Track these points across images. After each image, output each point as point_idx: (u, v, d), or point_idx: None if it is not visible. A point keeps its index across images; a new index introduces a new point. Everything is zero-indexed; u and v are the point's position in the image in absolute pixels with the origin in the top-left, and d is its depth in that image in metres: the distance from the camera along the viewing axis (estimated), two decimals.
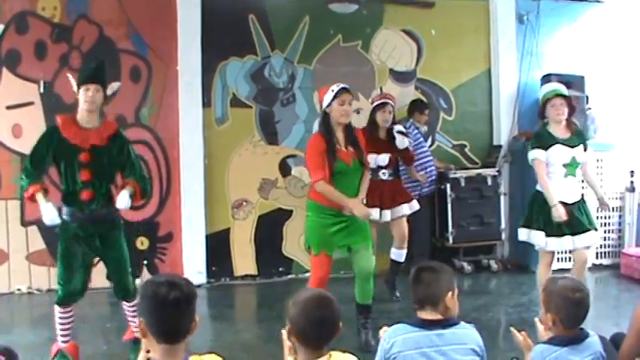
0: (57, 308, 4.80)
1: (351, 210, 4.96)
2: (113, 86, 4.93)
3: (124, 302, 5.00)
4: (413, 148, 7.07)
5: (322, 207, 5.09)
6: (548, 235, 5.58)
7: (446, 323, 3.03)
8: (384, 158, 6.45)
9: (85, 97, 4.64)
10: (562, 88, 5.72)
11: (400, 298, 6.74)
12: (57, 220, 4.58)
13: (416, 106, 7.69)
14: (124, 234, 4.98)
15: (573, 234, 5.55)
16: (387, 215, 6.56)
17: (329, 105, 5.11)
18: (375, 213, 6.29)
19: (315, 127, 7.62)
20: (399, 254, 6.79)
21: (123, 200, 4.69)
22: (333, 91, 5.10)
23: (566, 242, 5.61)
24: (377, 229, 6.66)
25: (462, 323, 3.08)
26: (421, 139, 7.49)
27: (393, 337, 3.02)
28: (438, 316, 3.03)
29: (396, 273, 6.85)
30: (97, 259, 4.98)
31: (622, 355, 3.55)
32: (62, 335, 4.84)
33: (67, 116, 4.78)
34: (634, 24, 8.53)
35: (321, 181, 4.98)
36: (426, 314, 3.05)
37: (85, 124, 4.71)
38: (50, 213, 4.55)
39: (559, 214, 5.43)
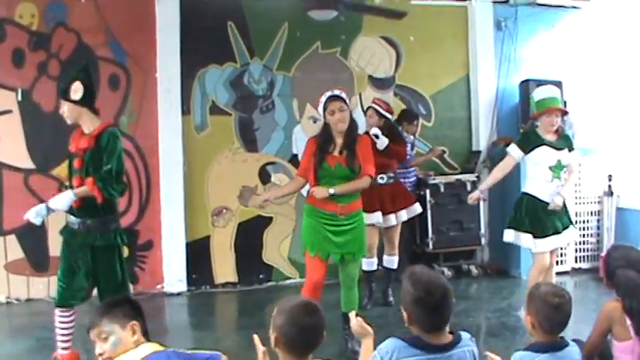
0: (57, 311, 4.59)
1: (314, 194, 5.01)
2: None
3: None
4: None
5: (316, 209, 5.09)
6: (535, 237, 5.61)
7: (454, 344, 2.84)
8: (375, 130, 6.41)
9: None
10: (557, 95, 5.66)
11: (393, 303, 6.67)
12: (34, 218, 4.43)
13: (405, 116, 7.58)
14: (118, 252, 4.68)
15: (556, 233, 5.63)
16: (392, 219, 6.57)
17: (324, 116, 5.12)
18: (375, 217, 6.30)
19: (295, 133, 7.68)
20: (390, 261, 6.81)
21: (47, 207, 4.44)
22: (322, 102, 5.11)
23: (553, 242, 5.66)
24: (379, 233, 6.66)
25: (464, 338, 2.89)
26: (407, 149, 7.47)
27: (395, 356, 2.78)
28: (448, 338, 2.84)
29: (390, 280, 6.82)
30: None
31: (585, 349, 3.61)
32: (61, 341, 4.61)
33: (78, 129, 4.70)
34: (611, 29, 8.59)
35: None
36: (436, 338, 2.82)
37: (86, 130, 4.61)
38: (34, 210, 4.44)
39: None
